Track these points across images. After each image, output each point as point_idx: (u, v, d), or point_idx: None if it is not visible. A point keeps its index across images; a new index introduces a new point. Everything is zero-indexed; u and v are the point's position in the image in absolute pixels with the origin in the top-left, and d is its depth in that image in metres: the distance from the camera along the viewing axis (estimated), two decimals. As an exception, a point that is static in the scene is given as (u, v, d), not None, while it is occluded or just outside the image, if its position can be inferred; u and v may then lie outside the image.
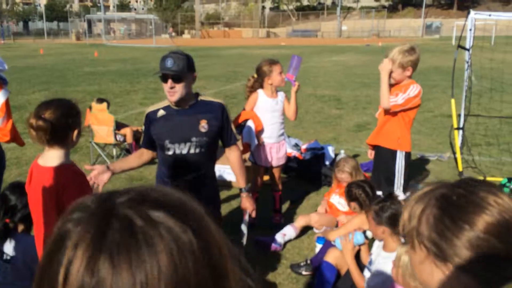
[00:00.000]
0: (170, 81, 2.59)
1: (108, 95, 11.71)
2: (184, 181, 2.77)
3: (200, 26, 70.58)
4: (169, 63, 2.58)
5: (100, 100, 5.95)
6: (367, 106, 10.13)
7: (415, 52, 3.42)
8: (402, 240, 2.69)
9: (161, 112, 2.74)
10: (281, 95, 3.90)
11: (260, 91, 3.88)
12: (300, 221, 3.91)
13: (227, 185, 5.14)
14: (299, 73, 3.98)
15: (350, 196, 3.30)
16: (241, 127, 3.89)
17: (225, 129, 2.85)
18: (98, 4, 67.62)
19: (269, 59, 3.85)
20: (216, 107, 2.79)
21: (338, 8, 63.37)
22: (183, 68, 2.58)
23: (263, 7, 75.91)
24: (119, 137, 5.88)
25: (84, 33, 52.01)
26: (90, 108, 5.99)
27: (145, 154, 2.86)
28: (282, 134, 4.01)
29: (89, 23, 57.54)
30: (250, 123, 3.85)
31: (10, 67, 14.03)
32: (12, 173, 5.46)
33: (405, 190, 3.61)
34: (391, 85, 3.65)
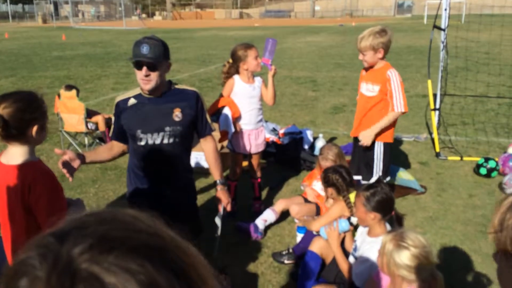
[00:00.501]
0: (145, 68, 2.43)
1: (78, 80, 11.34)
2: (157, 173, 2.66)
3: (172, 7, 69.16)
4: (145, 49, 2.42)
5: (69, 87, 5.68)
6: (343, 87, 10.11)
7: (386, 34, 3.36)
8: (388, 226, 2.66)
9: (132, 101, 2.58)
10: (258, 80, 3.78)
11: (236, 76, 3.75)
12: (280, 204, 3.85)
13: (205, 172, 5.03)
14: (275, 55, 3.85)
15: (327, 182, 3.24)
16: (217, 114, 3.76)
17: (200, 118, 2.72)
18: (64, -15, 65.16)
19: (244, 44, 3.70)
20: (190, 95, 2.66)
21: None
22: (159, 56, 2.43)
23: (236, -13, 74.65)
24: (90, 125, 5.66)
25: (51, 16, 50.20)
26: (59, 95, 5.73)
27: (115, 146, 2.69)
28: (261, 120, 3.90)
29: (56, 5, 55.50)
30: (226, 110, 3.73)
31: (-28, 52, 13.21)
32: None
33: (385, 175, 3.59)
34: (365, 69, 3.59)
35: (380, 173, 3.55)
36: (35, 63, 14.86)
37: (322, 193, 3.85)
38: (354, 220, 3.02)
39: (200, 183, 4.72)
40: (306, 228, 3.28)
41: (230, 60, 3.76)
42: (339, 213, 3.07)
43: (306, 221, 3.32)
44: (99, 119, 5.68)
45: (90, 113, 5.71)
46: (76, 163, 2.27)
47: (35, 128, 1.86)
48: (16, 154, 1.90)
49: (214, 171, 2.85)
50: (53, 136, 6.49)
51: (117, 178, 4.95)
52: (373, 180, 3.55)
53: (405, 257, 2.03)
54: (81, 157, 2.36)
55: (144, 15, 58.89)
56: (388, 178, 3.72)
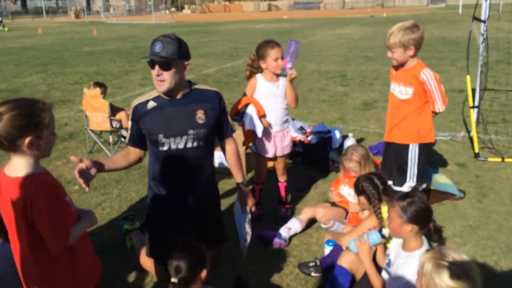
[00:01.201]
0: (157, 67, 2.31)
1: (106, 76, 11.40)
2: (180, 178, 2.52)
3: (200, 1, 69.32)
4: (158, 47, 2.29)
5: (97, 84, 5.63)
6: (374, 82, 9.75)
7: (418, 29, 3.07)
8: (425, 240, 2.44)
9: (152, 104, 2.44)
10: (282, 79, 3.56)
11: (259, 75, 3.55)
12: (306, 213, 3.65)
13: (228, 173, 4.86)
14: (296, 59, 3.59)
15: (357, 189, 3.03)
16: (241, 114, 3.58)
17: (222, 119, 2.59)
18: (96, -20, 66.18)
19: (267, 41, 3.46)
20: (212, 96, 2.52)
21: (341, -22, 61.74)
22: (173, 54, 2.29)
23: (264, -21, 74.07)
24: (115, 124, 5.59)
25: (83, 11, 51.16)
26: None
27: (132, 153, 2.54)
28: (287, 121, 3.69)
29: (88, 0, 56.52)
30: (251, 108, 3.54)
31: (8, 48, 13.78)
32: None
33: (420, 181, 3.33)
34: (394, 67, 3.33)
35: (415, 179, 3.29)
36: (66, 59, 15.07)
37: (350, 198, 3.63)
38: (386, 232, 2.80)
39: (223, 184, 4.57)
40: (336, 242, 3.07)
41: (255, 54, 3.57)
42: (371, 226, 2.85)
43: (335, 235, 3.12)
44: (122, 116, 5.60)
45: (114, 110, 5.64)
46: (93, 171, 2.12)
47: (27, 140, 1.72)
48: (17, 166, 1.78)
49: (236, 173, 2.73)
50: (79, 134, 6.49)
51: (140, 179, 4.85)
52: (406, 186, 3.31)
53: (446, 278, 1.82)
54: (99, 165, 2.21)
55: (173, 9, 59.24)
56: (424, 185, 3.46)
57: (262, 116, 3.55)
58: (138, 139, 2.51)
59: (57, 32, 29.46)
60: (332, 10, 57.68)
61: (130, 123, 2.52)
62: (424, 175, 3.42)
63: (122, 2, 62.75)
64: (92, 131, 5.73)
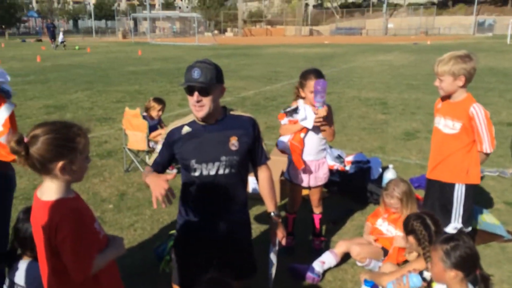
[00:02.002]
0: (196, 94, 2.27)
1: (147, 95, 11.63)
2: (211, 205, 2.45)
3: (243, 24, 70.68)
4: (196, 73, 2.25)
5: (157, 100, 5.74)
6: (416, 111, 9.48)
7: (470, 60, 2.90)
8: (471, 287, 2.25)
9: (186, 129, 2.41)
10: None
11: (300, 101, 3.47)
12: (341, 247, 3.50)
13: (260, 198, 4.77)
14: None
15: (406, 228, 2.85)
16: (293, 109, 3.49)
17: (257, 146, 2.52)
18: (145, 3, 68.96)
19: (309, 71, 3.33)
20: (246, 122, 2.46)
21: (385, 5, 61.53)
22: (211, 80, 2.26)
23: (307, 5, 74.99)
24: (152, 144, 5.64)
25: (130, 31, 53.16)
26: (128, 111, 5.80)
27: None
28: (323, 151, 3.57)
29: (135, 21, 58.81)
30: (308, 106, 3.44)
31: (57, 65, 14.36)
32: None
33: (466, 222, 3.11)
34: (441, 98, 3.17)
35: (460, 220, 3.09)
36: (111, 77, 15.57)
37: (389, 234, 3.45)
38: (427, 275, 2.61)
39: (257, 211, 4.48)
40: (374, 282, 2.90)
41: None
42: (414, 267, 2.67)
43: (373, 275, 2.94)
44: (159, 136, 5.65)
45: (152, 128, 5.71)
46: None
47: (60, 164, 1.69)
48: (48, 189, 1.76)
49: (268, 202, 2.63)
50: (117, 152, 6.59)
51: (173, 200, 4.82)
52: (451, 227, 3.11)
53: None
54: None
55: (216, 32, 60.62)
56: (469, 228, 3.23)
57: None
58: (163, 164, 2.46)
59: (104, 51, 30.67)
60: (375, 36, 57.34)
61: (159, 146, 2.48)
62: (470, 217, 3.20)
63: (167, 24, 64.85)
64: (130, 150, 5.80)
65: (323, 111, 3.25)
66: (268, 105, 10.34)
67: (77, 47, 32.59)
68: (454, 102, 3.03)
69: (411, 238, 2.81)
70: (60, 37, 33.11)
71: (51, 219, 1.68)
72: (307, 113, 3.36)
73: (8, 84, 2.28)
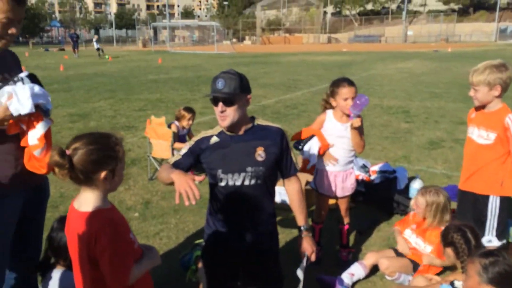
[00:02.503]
0: (220, 104, 2.28)
1: (168, 103, 11.77)
2: (237, 216, 2.45)
3: (261, 32, 70.99)
4: (220, 84, 2.27)
5: (187, 109, 5.81)
6: (440, 119, 9.34)
7: (506, 69, 2.84)
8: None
9: (215, 139, 2.42)
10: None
11: (329, 112, 3.45)
12: (370, 259, 3.44)
13: (290, 209, 4.74)
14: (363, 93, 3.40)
15: (445, 239, 2.78)
16: (303, 142, 3.49)
17: (285, 157, 2.50)
18: (164, 12, 69.96)
19: (340, 79, 3.34)
20: (274, 133, 2.45)
21: (404, 13, 61.11)
22: (235, 90, 2.26)
23: (325, 13, 74.95)
24: (176, 153, 5.67)
25: (150, 40, 53.94)
26: (151, 120, 5.86)
27: None
28: (351, 162, 3.54)
29: (155, 30, 59.66)
30: (314, 139, 3.44)
31: (81, 74, 14.58)
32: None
33: (500, 235, 3.04)
34: (475, 108, 3.11)
35: (494, 233, 3.01)
36: (132, 86, 15.78)
37: (417, 247, 3.38)
38: (459, 284, 2.55)
39: (284, 221, 4.45)
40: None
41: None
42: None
43: (400, 279, 2.89)
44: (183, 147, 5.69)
45: (180, 138, 5.76)
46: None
47: (103, 174, 1.72)
48: (86, 200, 1.78)
49: (298, 215, 2.60)
50: (141, 160, 6.65)
51: (198, 209, 4.84)
52: (484, 240, 3.03)
53: None
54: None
55: (234, 40, 61.07)
56: (504, 241, 3.15)
57: (327, 150, 3.44)
58: (183, 167, 2.42)
59: (125, 60, 31.14)
60: (394, 44, 56.93)
61: (184, 150, 2.47)
62: (504, 229, 3.12)
63: (186, 33, 65.61)
64: (154, 158, 5.84)
65: (357, 122, 3.22)
66: (289, 114, 10.32)
67: (106, 56, 32.66)
68: (488, 112, 2.97)
69: (449, 250, 2.75)
70: (96, 45, 33.61)
71: (90, 229, 1.70)
72: (311, 146, 3.39)
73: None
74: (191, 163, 2.46)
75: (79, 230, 1.73)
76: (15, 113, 2.03)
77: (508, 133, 2.86)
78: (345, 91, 3.26)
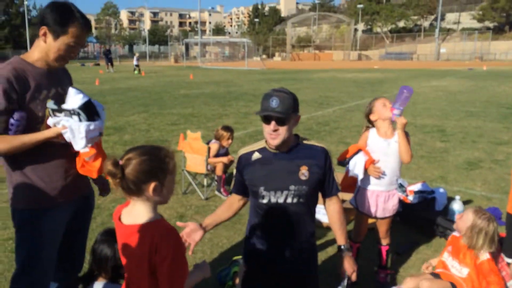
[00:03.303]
0: (273, 123, 2.27)
1: (200, 118, 11.91)
2: (278, 233, 2.43)
3: (291, 48, 71.38)
4: (274, 103, 2.25)
5: (226, 128, 5.90)
6: (477, 139, 9.08)
7: None
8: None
9: (256, 155, 2.42)
10: (396, 137, 3.38)
11: (372, 129, 3.42)
12: (409, 283, 3.33)
13: (322, 227, 4.69)
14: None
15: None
16: (348, 159, 3.47)
17: (328, 177, 2.48)
18: (196, 29, 71.38)
19: (375, 98, 3.40)
20: (318, 152, 2.43)
21: (437, 30, 60.33)
22: (288, 109, 2.25)
23: (356, 30, 74.83)
24: (209, 166, 5.71)
25: (182, 56, 55.04)
26: (185, 134, 5.94)
27: (235, 203, 2.59)
28: (395, 182, 3.47)
29: (187, 46, 60.84)
30: (360, 154, 3.41)
31: (115, 88, 14.96)
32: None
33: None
34: None
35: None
36: (165, 100, 16.07)
37: (454, 271, 3.25)
38: None
39: (317, 240, 4.38)
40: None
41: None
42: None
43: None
44: (219, 165, 5.72)
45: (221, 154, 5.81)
46: (199, 235, 2.34)
47: (152, 185, 1.74)
48: (140, 212, 1.80)
49: (339, 235, 2.55)
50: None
51: (232, 224, 4.83)
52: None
53: None
54: (204, 227, 2.40)
55: (264, 56, 61.61)
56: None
57: (372, 163, 3.39)
58: (242, 187, 2.52)
59: (158, 75, 31.82)
60: (426, 61, 56.16)
61: (235, 171, 2.54)
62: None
63: (217, 49, 66.68)
64: (188, 172, 5.89)
65: (402, 119, 3.18)
66: (321, 130, 10.27)
67: (136, 72, 32.96)
68: None
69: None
70: (135, 61, 33.80)
71: (151, 240, 1.72)
72: (357, 160, 3.37)
73: None
74: (244, 182, 2.49)
75: (140, 242, 1.74)
76: (67, 140, 2.17)
77: None
78: (381, 101, 3.32)
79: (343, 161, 3.46)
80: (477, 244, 3.12)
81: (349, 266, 2.47)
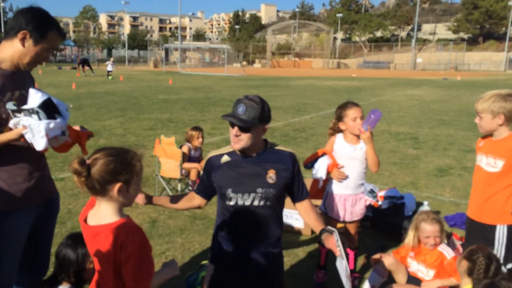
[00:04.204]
0: (236, 128, 2.33)
1: (178, 123, 11.88)
2: (244, 235, 2.47)
3: (271, 56, 71.82)
4: (240, 110, 2.30)
5: (196, 129, 5.92)
6: (449, 147, 9.32)
7: None
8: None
9: (226, 158, 2.47)
10: (363, 143, 3.45)
11: (339, 135, 3.49)
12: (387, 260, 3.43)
13: (295, 232, 4.74)
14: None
15: (470, 255, 2.75)
16: (313, 163, 3.53)
17: (296, 182, 2.53)
18: (176, 34, 71.17)
19: (345, 103, 3.44)
20: (286, 157, 2.49)
21: (413, 40, 61.64)
22: (254, 119, 2.30)
23: (335, 38, 75.83)
24: (184, 171, 5.71)
25: (162, 61, 54.75)
26: (160, 139, 5.93)
27: (195, 199, 2.64)
28: (361, 186, 3.54)
29: (167, 51, 60.56)
30: (324, 158, 3.47)
31: (92, 92, 14.79)
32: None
33: (506, 261, 3.00)
34: (483, 136, 3.12)
35: (501, 261, 2.98)
36: (143, 105, 15.96)
37: (421, 275, 3.35)
38: None
39: (289, 245, 4.43)
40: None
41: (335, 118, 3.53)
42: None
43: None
44: (193, 170, 5.72)
45: (191, 160, 5.81)
46: (140, 198, 2.46)
47: (117, 186, 1.76)
48: (105, 212, 1.82)
49: (318, 224, 2.52)
50: (149, 179, 6.68)
51: (204, 229, 4.84)
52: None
53: None
54: (149, 199, 2.51)
55: (244, 63, 61.79)
56: (509, 265, 3.11)
57: (335, 167, 3.45)
58: (205, 190, 2.59)
59: (137, 79, 31.57)
60: (403, 70, 57.26)
61: (202, 172, 2.60)
62: (510, 256, 3.08)
63: (197, 55, 66.58)
64: (162, 177, 5.88)
65: (367, 134, 3.26)
66: (297, 137, 10.36)
67: (110, 78, 32.02)
68: (496, 140, 2.98)
69: (465, 263, 2.73)
70: (109, 67, 31.76)
71: (116, 239, 1.73)
72: (321, 163, 3.43)
73: None
74: (211, 184, 2.51)
75: (104, 242, 1.76)
76: (28, 142, 2.18)
77: None
78: (353, 112, 3.34)
79: (308, 165, 3.52)
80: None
81: (329, 243, 2.38)
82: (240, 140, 2.33)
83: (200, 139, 5.86)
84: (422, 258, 3.36)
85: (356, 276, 3.77)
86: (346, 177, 3.42)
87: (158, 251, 4.35)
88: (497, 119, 2.89)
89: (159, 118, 12.90)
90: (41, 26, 2.27)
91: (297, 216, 4.65)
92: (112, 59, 35.56)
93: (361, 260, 4.16)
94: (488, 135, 3.05)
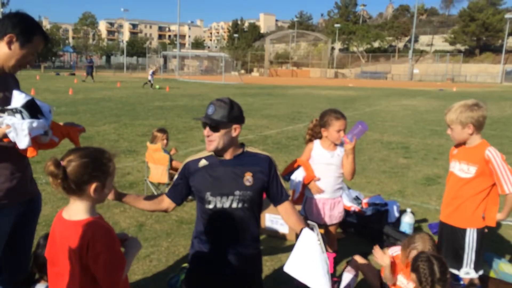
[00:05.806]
0: (207, 128, 2.43)
1: (172, 130, 11.93)
2: (222, 238, 2.52)
3: (269, 64, 72.14)
4: (210, 110, 2.42)
5: (161, 130, 5.97)
6: (438, 156, 9.41)
7: (478, 108, 2.97)
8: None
9: (203, 162, 2.53)
10: (340, 149, 3.54)
11: (316, 141, 3.57)
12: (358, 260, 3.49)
13: (279, 237, 4.80)
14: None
15: (413, 265, 2.82)
16: (291, 174, 3.61)
17: (274, 184, 2.58)
18: (175, 42, 71.47)
19: (333, 111, 3.49)
20: (262, 160, 2.56)
21: (410, 51, 62.07)
22: (222, 118, 2.39)
23: (333, 48, 76.31)
24: (174, 177, 5.77)
25: (160, 68, 54.95)
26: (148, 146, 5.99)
27: (164, 202, 2.65)
28: (339, 190, 3.62)
29: (165, 59, 60.82)
30: (300, 170, 3.55)
31: (89, 98, 14.84)
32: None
33: (477, 267, 3.08)
34: (455, 146, 3.22)
35: (472, 265, 3.05)
36: (138, 112, 16.04)
37: (401, 284, 3.39)
38: None
39: (273, 250, 4.48)
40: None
41: (317, 119, 3.60)
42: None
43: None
44: (180, 167, 5.79)
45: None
46: (111, 198, 2.43)
47: (93, 186, 1.84)
48: (77, 209, 1.88)
49: (299, 223, 2.53)
50: (138, 184, 6.74)
51: (190, 233, 4.88)
52: (463, 271, 3.08)
53: None
54: (119, 196, 2.50)
55: (242, 71, 62.07)
56: (481, 272, 3.18)
57: (312, 181, 3.52)
58: (176, 192, 2.62)
59: (134, 86, 31.66)
60: (400, 81, 57.57)
61: (176, 176, 2.62)
62: (480, 260, 3.15)
63: (196, 62, 66.85)
64: (151, 182, 5.93)
65: (352, 144, 3.32)
66: (290, 144, 10.44)
67: (157, 87, 30.39)
68: (469, 147, 3.07)
69: (413, 276, 2.78)
70: (150, 77, 30.19)
71: (83, 236, 1.79)
72: (297, 176, 3.51)
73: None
74: (185, 188, 2.58)
75: (72, 238, 1.82)
76: (12, 141, 2.22)
77: (490, 166, 2.94)
78: (339, 124, 3.40)
79: (285, 177, 3.60)
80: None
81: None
82: (212, 141, 2.41)
83: (165, 141, 5.94)
84: (403, 270, 3.41)
85: (336, 281, 3.83)
86: (322, 192, 3.50)
87: (143, 254, 4.40)
88: (467, 129, 2.99)
89: (154, 124, 12.95)
90: (27, 30, 2.35)
91: (282, 221, 4.71)
92: (154, 67, 33.33)
93: (342, 265, 4.22)
94: (461, 143, 3.14)
